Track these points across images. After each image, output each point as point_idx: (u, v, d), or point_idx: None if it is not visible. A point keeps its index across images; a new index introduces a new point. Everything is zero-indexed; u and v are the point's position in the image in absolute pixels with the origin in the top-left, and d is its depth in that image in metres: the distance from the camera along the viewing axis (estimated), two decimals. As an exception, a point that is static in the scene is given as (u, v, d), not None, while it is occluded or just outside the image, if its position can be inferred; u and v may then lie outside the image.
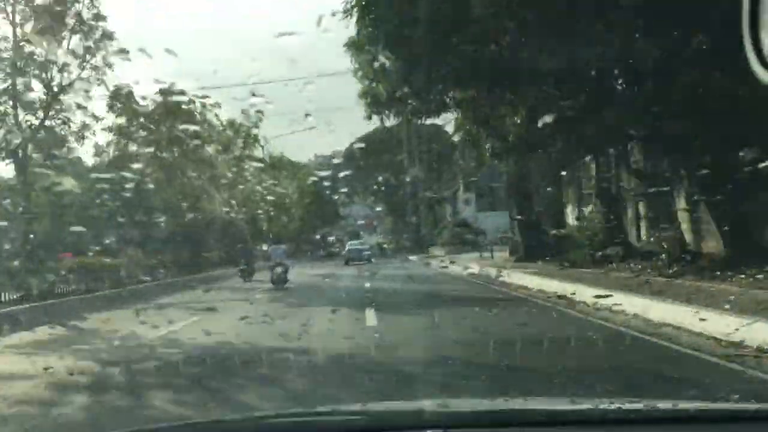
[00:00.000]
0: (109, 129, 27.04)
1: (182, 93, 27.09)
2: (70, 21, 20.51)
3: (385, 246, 69.96)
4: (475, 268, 25.53)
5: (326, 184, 48.62)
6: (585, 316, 12.02)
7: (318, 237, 61.71)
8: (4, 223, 18.90)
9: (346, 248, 41.66)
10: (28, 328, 13.39)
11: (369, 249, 41.62)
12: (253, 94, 34.99)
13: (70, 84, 20.64)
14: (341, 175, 55.49)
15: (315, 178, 46.13)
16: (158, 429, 2.99)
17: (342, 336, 10.19)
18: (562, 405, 2.58)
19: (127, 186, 23.53)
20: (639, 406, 2.39)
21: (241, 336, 10.51)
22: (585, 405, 2.47)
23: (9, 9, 19.78)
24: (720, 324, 9.07)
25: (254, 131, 35.49)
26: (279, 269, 20.93)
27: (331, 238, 64.95)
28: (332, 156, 65.25)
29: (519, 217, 29.21)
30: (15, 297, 16.41)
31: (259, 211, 37.64)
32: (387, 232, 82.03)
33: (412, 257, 45.46)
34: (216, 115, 31.25)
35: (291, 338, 10.03)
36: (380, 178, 64.53)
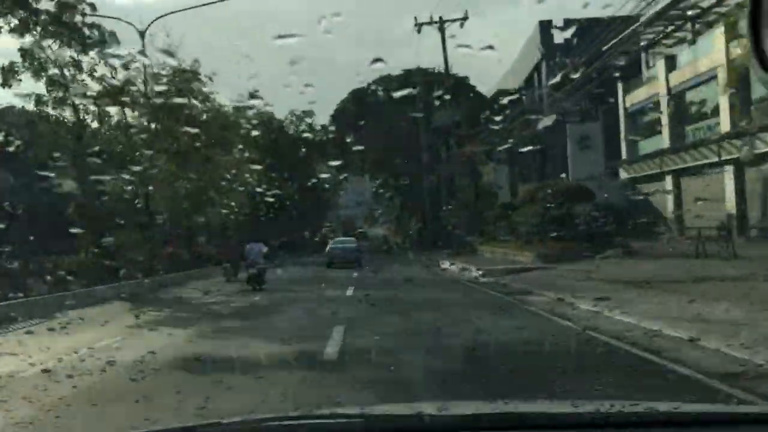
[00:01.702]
0: None
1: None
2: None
3: (390, 241, 56.06)
4: None
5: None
6: None
7: (307, 234, 54.55)
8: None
9: (329, 246, 35.23)
10: None
11: (358, 247, 34.85)
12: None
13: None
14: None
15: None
16: None
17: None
18: (562, 408, 2.50)
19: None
20: (639, 409, 2.29)
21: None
22: (586, 408, 2.36)
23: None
24: None
25: None
26: (254, 270, 20.33)
27: (327, 230, 57.56)
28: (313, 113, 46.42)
29: None
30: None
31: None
32: (396, 220, 65.61)
33: (448, 264, 26.38)
34: None
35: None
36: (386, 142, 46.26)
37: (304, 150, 48.49)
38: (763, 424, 2.22)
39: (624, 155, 34.96)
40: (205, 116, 25.64)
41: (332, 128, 50.66)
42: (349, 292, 17.27)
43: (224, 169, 30.03)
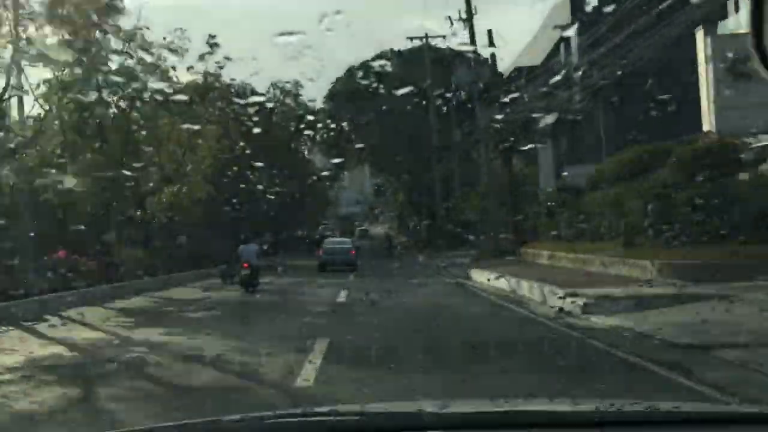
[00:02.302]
0: None
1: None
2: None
3: (393, 240, 49.66)
4: None
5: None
6: None
7: (301, 233, 52.72)
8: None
9: (322, 248, 32.71)
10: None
11: (353, 249, 32.41)
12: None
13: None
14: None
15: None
16: (154, 429, 2.67)
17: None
18: (562, 406, 2.51)
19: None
20: (640, 407, 2.27)
21: None
22: (586, 406, 2.36)
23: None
24: None
25: None
26: (246, 271, 20.35)
27: (324, 228, 55.44)
28: (301, 86, 39.09)
29: None
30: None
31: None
32: (399, 218, 60.53)
33: (486, 276, 18.83)
34: None
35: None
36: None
37: (292, 132, 40.62)
38: (763, 423, 2.16)
39: (709, 125, 26.58)
40: (137, 69, 17.69)
41: (321, 106, 43.17)
42: (318, 349, 8.84)
43: (177, 146, 22.10)
